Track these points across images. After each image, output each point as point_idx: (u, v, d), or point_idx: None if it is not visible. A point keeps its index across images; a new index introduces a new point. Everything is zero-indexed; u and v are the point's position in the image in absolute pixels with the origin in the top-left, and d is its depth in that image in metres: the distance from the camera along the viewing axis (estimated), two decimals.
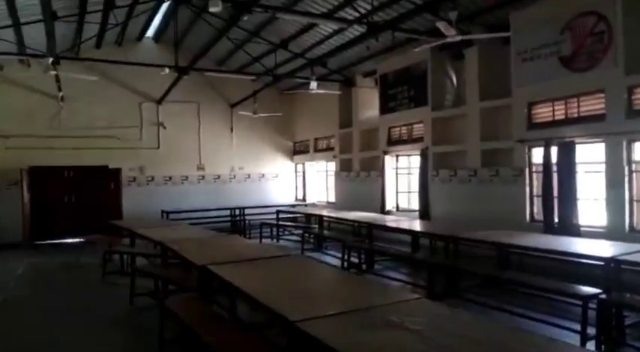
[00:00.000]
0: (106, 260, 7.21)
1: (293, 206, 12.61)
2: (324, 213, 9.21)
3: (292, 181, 14.10)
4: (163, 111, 12.23)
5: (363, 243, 7.54)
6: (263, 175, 13.70)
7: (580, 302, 3.96)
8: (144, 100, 12.10)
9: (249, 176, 13.48)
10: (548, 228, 6.45)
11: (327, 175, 12.84)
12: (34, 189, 10.33)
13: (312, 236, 9.41)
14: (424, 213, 8.63)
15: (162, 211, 10.77)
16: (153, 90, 11.86)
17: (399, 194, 10.02)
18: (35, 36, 8.49)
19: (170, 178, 12.42)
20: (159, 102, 12.07)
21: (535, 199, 7.03)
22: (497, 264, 5.89)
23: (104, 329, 4.80)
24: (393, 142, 9.92)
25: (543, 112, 6.88)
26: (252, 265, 3.99)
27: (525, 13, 6.79)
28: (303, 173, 13.64)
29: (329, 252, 8.76)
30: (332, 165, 12.28)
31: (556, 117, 6.69)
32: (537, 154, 6.95)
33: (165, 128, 12.21)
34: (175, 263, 5.36)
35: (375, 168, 10.34)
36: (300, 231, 9.61)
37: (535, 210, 7.03)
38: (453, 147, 8.42)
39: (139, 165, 12.00)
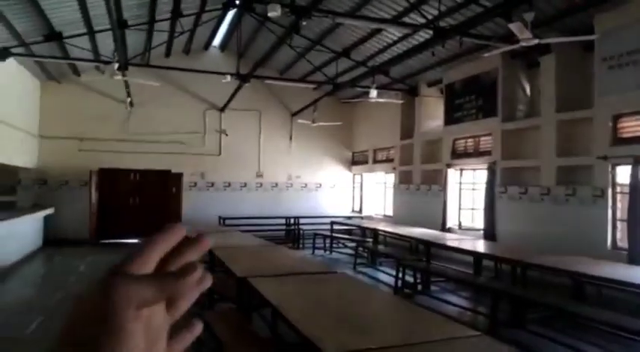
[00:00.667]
0: None
1: (349, 217, 12.29)
2: (380, 227, 8.80)
3: (349, 192, 13.80)
4: (226, 119, 12.43)
5: (420, 261, 7.07)
6: (320, 185, 13.52)
7: None
8: (208, 107, 12.37)
9: (305, 185, 13.36)
10: (634, 257, 5.66)
11: (385, 187, 12.40)
12: (101, 189, 10.83)
13: (366, 250, 9.02)
14: (489, 233, 7.98)
15: (220, 217, 10.87)
16: (217, 98, 12.10)
17: (462, 211, 9.40)
18: (109, 44, 8.91)
19: (229, 184, 12.56)
20: (222, 109, 12.28)
21: (618, 224, 6.22)
22: (572, 294, 5.22)
23: None
24: (458, 155, 9.34)
25: (632, 126, 6.10)
26: (297, 280, 3.73)
27: (612, 15, 6.09)
28: (361, 184, 13.28)
29: (383, 268, 8.33)
30: (391, 177, 11.84)
31: None
32: (622, 173, 6.17)
33: (227, 135, 12.39)
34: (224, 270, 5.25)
35: (436, 182, 9.79)
36: (354, 244, 9.26)
37: (618, 236, 6.22)
38: (524, 163, 7.74)
39: (200, 170, 12.25)
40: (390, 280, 7.19)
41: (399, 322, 2.74)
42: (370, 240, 9.33)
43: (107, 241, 10.58)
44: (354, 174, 13.71)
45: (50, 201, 10.58)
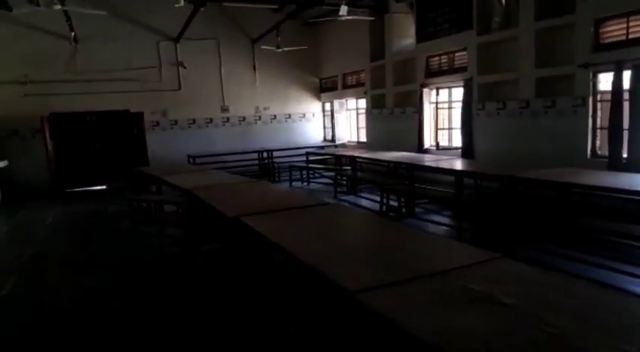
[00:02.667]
0: (134, 208, 6.92)
1: (322, 147, 12.06)
2: (357, 154, 8.61)
3: (320, 121, 13.44)
4: (182, 50, 11.52)
5: (402, 185, 7.01)
6: (289, 116, 13.08)
7: None
8: (161, 39, 11.38)
9: (275, 117, 12.89)
10: (615, 164, 5.73)
11: (357, 113, 12.09)
12: (56, 136, 10.04)
13: (344, 178, 8.90)
14: (467, 151, 7.95)
15: (189, 156, 10.41)
16: (169, 28, 11.12)
17: (439, 131, 9.27)
18: None
19: (194, 121, 11.95)
20: (176, 40, 11.33)
21: (598, 132, 6.24)
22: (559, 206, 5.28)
23: (136, 285, 4.51)
24: (432, 74, 9.03)
25: (614, 30, 5.91)
26: (290, 215, 3.50)
27: None
28: (332, 112, 12.90)
29: (363, 195, 8.29)
30: (363, 103, 11.50)
31: (630, 36, 5.73)
32: (605, 80, 6.08)
33: (185, 68, 11.55)
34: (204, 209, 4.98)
35: (410, 104, 9.54)
36: (332, 174, 9.11)
37: (597, 144, 6.26)
38: (502, 77, 7.53)
39: (161, 108, 11.53)
40: (373, 206, 7.16)
41: (414, 250, 2.58)
42: (348, 168, 9.17)
43: (70, 190, 10.00)
44: (324, 102, 13.27)
45: (1, 152, 9.78)
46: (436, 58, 8.92)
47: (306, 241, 2.81)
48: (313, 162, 10.61)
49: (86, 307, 3.94)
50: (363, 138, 11.64)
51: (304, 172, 10.14)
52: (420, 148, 8.95)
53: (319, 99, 13.33)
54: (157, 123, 11.53)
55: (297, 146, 11.96)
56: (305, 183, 10.02)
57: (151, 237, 5.96)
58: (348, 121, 12.70)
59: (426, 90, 9.01)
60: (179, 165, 8.80)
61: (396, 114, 10.03)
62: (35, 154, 9.97)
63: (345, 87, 12.14)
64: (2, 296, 4.27)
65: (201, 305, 3.79)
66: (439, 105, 9.20)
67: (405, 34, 9.87)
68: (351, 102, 12.38)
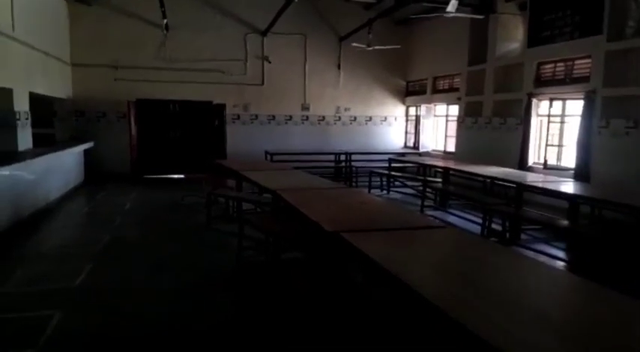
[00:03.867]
0: (211, 202, 6.62)
1: (402, 154, 11.34)
2: (451, 165, 7.82)
3: (402, 126, 12.71)
4: (268, 44, 11.29)
5: (504, 205, 6.17)
6: (370, 118, 12.48)
7: None
8: (249, 31, 11.21)
9: (354, 118, 12.34)
10: None
11: (447, 121, 11.21)
12: (140, 122, 10.14)
13: (432, 191, 8.13)
14: (582, 173, 6.89)
15: (266, 152, 10.11)
16: (258, 21, 10.95)
17: (548, 147, 8.19)
18: None
19: (274, 117, 11.68)
20: (264, 33, 11.11)
21: None
22: None
23: (207, 290, 4.10)
24: (543, 82, 8.01)
25: None
26: (398, 238, 2.86)
27: None
28: (417, 117, 12.09)
29: (453, 211, 7.49)
30: (454, 109, 10.62)
31: None
32: None
33: (270, 62, 11.31)
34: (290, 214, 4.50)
35: (512, 114, 8.57)
36: (418, 184, 8.38)
37: None
38: (635, 90, 6.43)
39: (243, 102, 11.37)
40: (466, 225, 6.40)
41: (604, 315, 1.86)
42: (437, 179, 8.40)
43: (150, 176, 10.04)
44: (408, 106, 12.52)
45: (88, 134, 10.03)
46: (550, 66, 7.90)
47: (432, 277, 2.19)
48: (393, 169, 9.93)
49: (159, 311, 3.57)
50: (451, 148, 10.76)
51: (384, 180, 9.48)
52: (522, 165, 7.97)
53: (403, 102, 12.61)
54: (238, 117, 11.38)
55: (376, 151, 11.36)
56: (384, 192, 9.36)
57: (228, 236, 5.61)
58: (434, 128, 11.84)
59: (534, 101, 8.01)
60: (256, 160, 8.50)
61: (494, 125, 9.08)
62: (119, 138, 10.12)
63: (435, 91, 11.32)
64: (76, 285, 4.03)
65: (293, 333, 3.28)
66: (549, 119, 8.14)
67: (511, 37, 8.92)
68: (440, 108, 11.52)
